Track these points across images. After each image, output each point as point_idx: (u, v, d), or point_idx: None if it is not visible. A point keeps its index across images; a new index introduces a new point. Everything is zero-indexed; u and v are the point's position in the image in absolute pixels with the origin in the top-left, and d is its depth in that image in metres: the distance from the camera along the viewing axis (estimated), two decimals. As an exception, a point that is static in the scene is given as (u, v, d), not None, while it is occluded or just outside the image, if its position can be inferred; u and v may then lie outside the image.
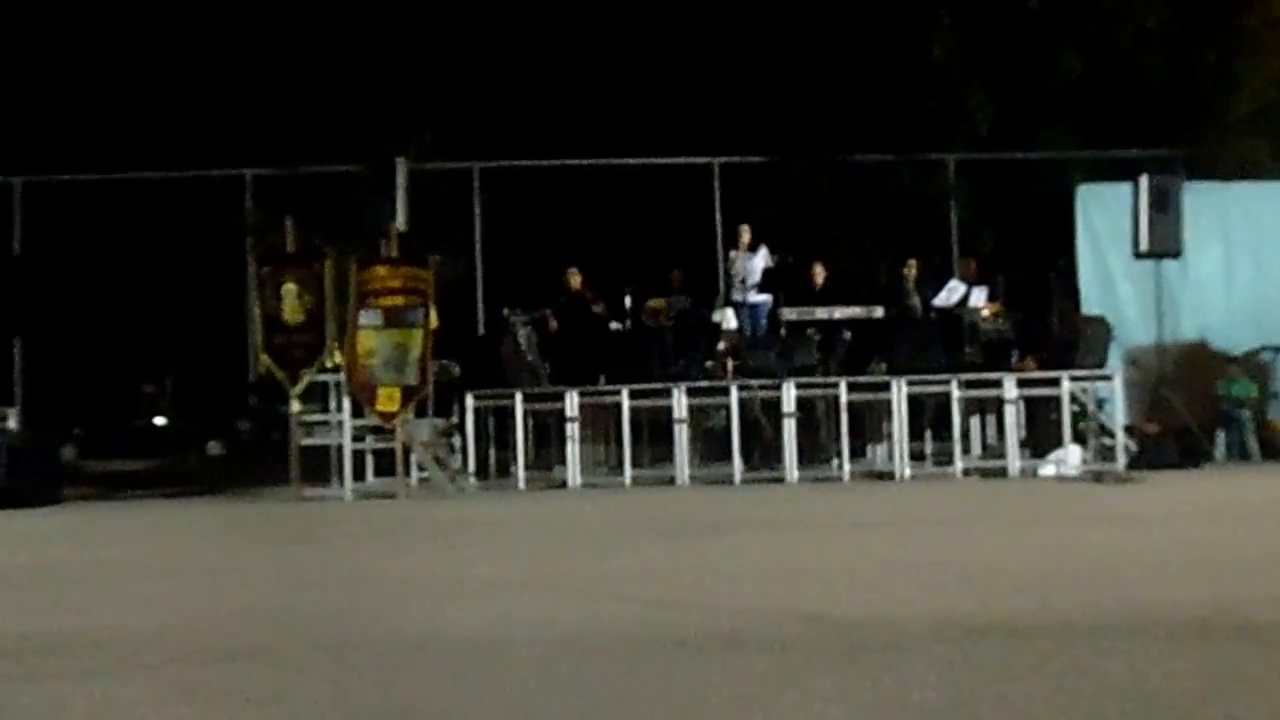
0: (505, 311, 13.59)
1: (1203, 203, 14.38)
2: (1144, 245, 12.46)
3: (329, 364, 11.97)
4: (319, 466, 12.27)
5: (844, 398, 12.37)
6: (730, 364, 13.33)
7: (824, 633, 3.87)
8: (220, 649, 3.86)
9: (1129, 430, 12.91)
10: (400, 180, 12.80)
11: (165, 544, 8.28)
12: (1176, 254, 12.65)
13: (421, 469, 12.33)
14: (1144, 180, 12.43)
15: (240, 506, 11.44)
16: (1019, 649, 3.52)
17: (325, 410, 12.28)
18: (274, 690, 3.25)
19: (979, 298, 13.78)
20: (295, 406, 11.87)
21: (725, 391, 12.63)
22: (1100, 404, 12.75)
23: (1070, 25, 17.21)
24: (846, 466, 12.44)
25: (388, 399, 11.69)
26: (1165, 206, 12.28)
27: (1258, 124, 17.08)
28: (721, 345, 13.71)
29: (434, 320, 12.05)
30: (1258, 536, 6.81)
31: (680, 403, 12.44)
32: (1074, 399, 12.52)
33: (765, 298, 14.15)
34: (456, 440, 12.96)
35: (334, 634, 4.12)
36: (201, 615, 4.69)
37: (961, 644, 3.62)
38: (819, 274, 14.16)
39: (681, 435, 12.48)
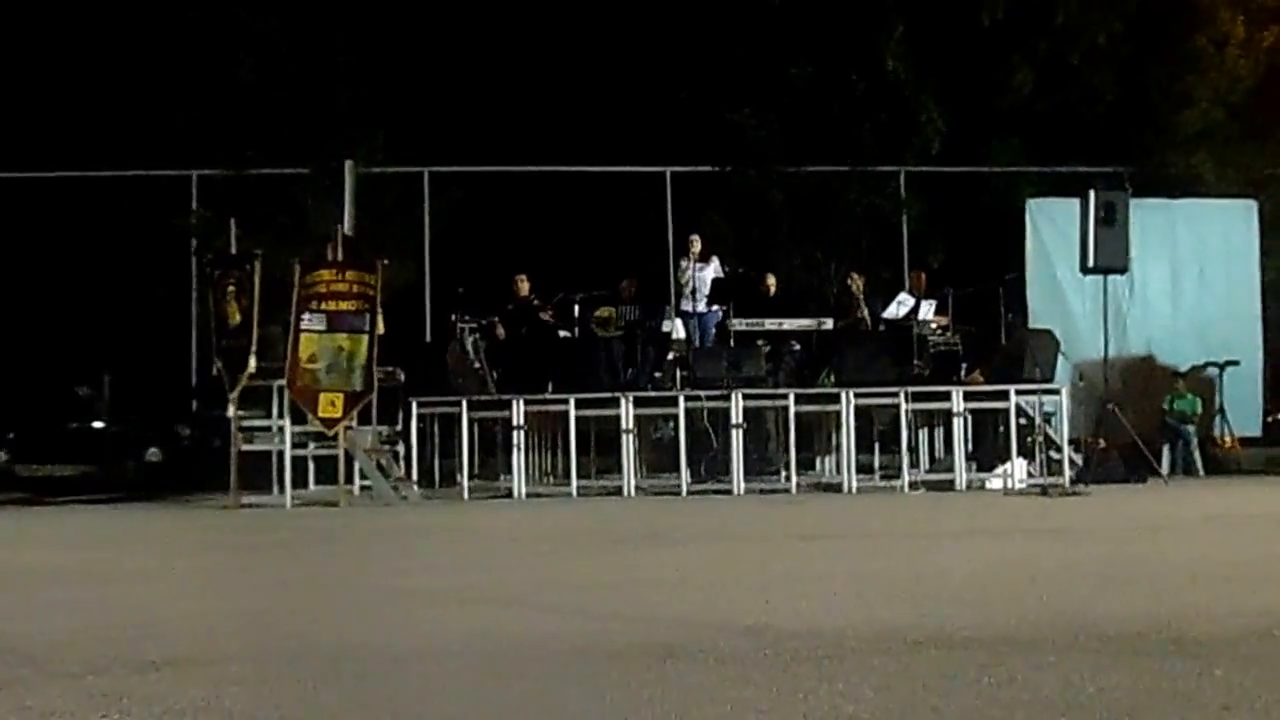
0: (452, 318, 13.48)
1: (1150, 219, 14.53)
2: (1091, 260, 12.50)
3: (251, 367, 11.74)
4: (260, 473, 12.06)
5: (792, 409, 12.32)
6: (679, 374, 13.25)
7: (761, 644, 3.85)
8: (144, 658, 3.80)
9: (1075, 444, 12.96)
10: (348, 183, 12.67)
11: (96, 551, 8.14)
12: (1123, 269, 12.70)
13: (364, 477, 12.16)
14: (1092, 196, 12.48)
15: (177, 513, 11.31)
16: (956, 661, 3.53)
17: (267, 416, 12.10)
18: (196, 700, 3.20)
19: (928, 310, 13.80)
20: (233, 411, 11.69)
21: (673, 402, 12.55)
22: (1047, 418, 12.78)
23: (1023, 40, 17.31)
24: (794, 478, 12.38)
25: (330, 405, 11.56)
26: (1112, 222, 12.33)
27: (1205, 141, 17.25)
28: (670, 355, 13.64)
29: (380, 326, 11.90)
30: (1198, 551, 6.83)
31: (628, 413, 12.34)
32: (1021, 412, 12.55)
33: (715, 308, 14.07)
34: (400, 448, 12.77)
35: (261, 644, 4.08)
36: (128, 624, 4.61)
37: (899, 655, 3.62)
38: (770, 285, 14.12)
39: (629, 445, 12.39)
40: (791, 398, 12.39)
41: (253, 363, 11.70)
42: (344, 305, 11.81)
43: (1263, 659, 3.55)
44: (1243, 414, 15.03)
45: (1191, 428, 14.43)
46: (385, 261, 12.20)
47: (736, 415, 12.29)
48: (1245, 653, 3.62)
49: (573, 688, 3.31)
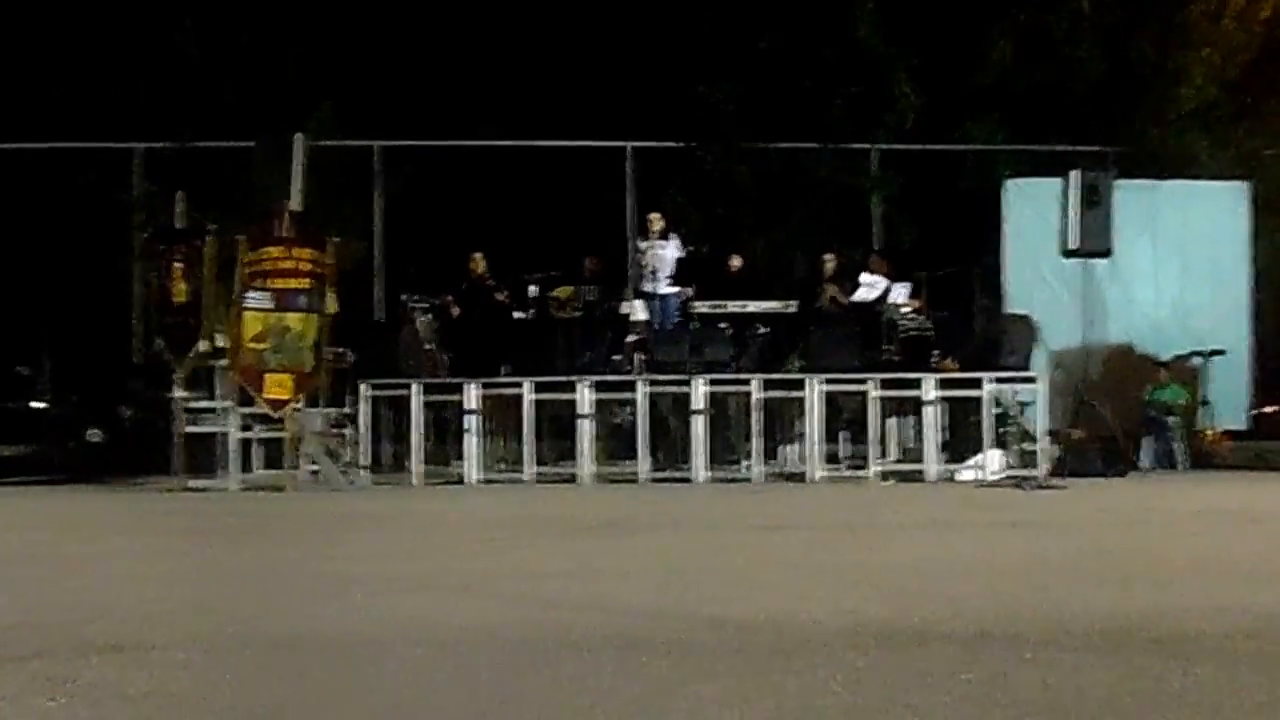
0: (404, 297, 13.38)
1: (1132, 201, 14.23)
2: (1073, 243, 12.27)
3: (203, 347, 11.49)
4: (205, 456, 11.86)
5: (757, 395, 12.17)
6: (639, 358, 13.04)
7: (724, 636, 3.78)
8: (90, 643, 3.76)
9: (1052, 435, 12.73)
10: (298, 157, 12.43)
11: (38, 534, 8.08)
12: (1106, 253, 12.47)
13: (312, 461, 11.91)
14: (1075, 176, 12.24)
15: (120, 496, 11.25)
16: (930, 657, 3.43)
17: (211, 396, 11.86)
18: (143, 686, 3.16)
19: (900, 294, 13.54)
20: (178, 391, 11.40)
21: (633, 386, 12.36)
22: (1023, 407, 12.56)
23: (1002, 10, 17.02)
24: (757, 467, 12.23)
25: (277, 386, 11.33)
26: (1095, 204, 12.09)
27: (1198, 120, 16.90)
28: (630, 338, 13.39)
29: (333, 305, 11.66)
30: (1177, 546, 6.72)
31: (586, 397, 12.17)
32: (996, 401, 12.32)
33: (677, 289, 13.84)
34: (350, 431, 12.50)
35: (208, 630, 4.03)
36: (72, 608, 4.58)
37: (869, 650, 3.52)
38: (734, 265, 13.91)
39: (586, 431, 12.22)
40: (756, 383, 12.24)
41: (217, 339, 11.48)
42: (293, 283, 11.67)
43: (1248, 659, 3.41)
44: (1229, 406, 14.75)
45: (1174, 419, 14.13)
46: (337, 239, 11.98)
47: (698, 401, 12.14)
48: (1230, 651, 3.51)
49: (530, 679, 3.22)
